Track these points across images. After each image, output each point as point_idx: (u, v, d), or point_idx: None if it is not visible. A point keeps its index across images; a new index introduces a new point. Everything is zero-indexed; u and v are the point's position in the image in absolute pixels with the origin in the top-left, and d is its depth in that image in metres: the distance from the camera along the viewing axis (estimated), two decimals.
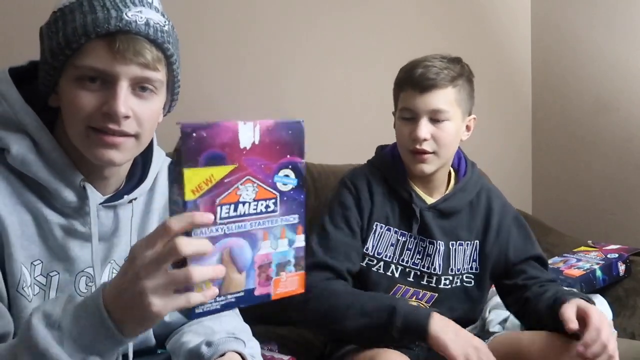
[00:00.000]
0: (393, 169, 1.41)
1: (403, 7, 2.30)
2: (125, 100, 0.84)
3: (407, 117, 1.34)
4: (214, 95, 1.93)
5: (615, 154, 2.24)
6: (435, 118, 1.32)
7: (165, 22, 0.88)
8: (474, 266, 1.41)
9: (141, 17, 0.84)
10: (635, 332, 1.68)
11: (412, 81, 1.33)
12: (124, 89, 0.84)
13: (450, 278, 1.39)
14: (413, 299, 1.37)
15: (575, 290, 1.52)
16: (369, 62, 2.22)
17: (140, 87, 0.86)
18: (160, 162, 1.03)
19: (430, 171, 1.36)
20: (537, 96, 2.55)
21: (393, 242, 1.38)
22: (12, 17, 1.61)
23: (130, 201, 0.97)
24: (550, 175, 2.51)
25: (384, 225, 1.38)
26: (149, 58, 0.84)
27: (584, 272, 1.73)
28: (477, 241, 1.41)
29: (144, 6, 0.86)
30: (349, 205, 1.37)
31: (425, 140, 1.31)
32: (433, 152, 1.33)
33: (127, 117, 0.85)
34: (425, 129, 1.31)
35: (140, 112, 0.86)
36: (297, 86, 2.14)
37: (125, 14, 0.83)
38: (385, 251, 1.37)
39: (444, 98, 1.32)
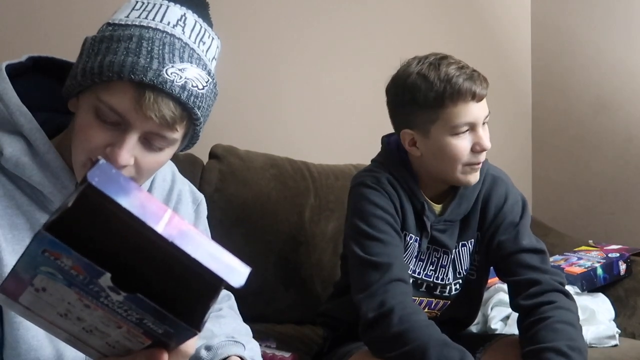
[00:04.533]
0: (406, 173, 1.28)
1: (403, 8, 2.30)
2: (130, 150, 0.81)
3: (464, 131, 1.20)
4: None
5: (615, 154, 2.24)
6: (485, 122, 1.23)
7: (206, 83, 0.84)
8: (476, 258, 1.35)
9: (180, 77, 0.80)
10: (635, 332, 1.68)
11: (462, 91, 1.17)
12: (132, 140, 0.81)
13: (460, 282, 1.33)
14: (425, 309, 1.31)
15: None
16: (368, 62, 2.22)
17: (152, 139, 0.83)
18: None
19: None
20: (537, 96, 2.54)
21: (415, 254, 1.29)
22: (11, 16, 1.61)
23: None
24: (550, 175, 2.50)
25: (412, 235, 1.27)
26: (169, 120, 0.81)
27: (585, 270, 1.73)
28: (478, 233, 1.34)
29: (191, 63, 0.82)
30: (383, 205, 1.23)
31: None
32: None
33: (125, 166, 0.82)
34: (487, 136, 1.22)
35: (142, 162, 0.84)
36: (296, 86, 2.13)
37: (166, 70, 0.79)
38: (408, 263, 1.28)
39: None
